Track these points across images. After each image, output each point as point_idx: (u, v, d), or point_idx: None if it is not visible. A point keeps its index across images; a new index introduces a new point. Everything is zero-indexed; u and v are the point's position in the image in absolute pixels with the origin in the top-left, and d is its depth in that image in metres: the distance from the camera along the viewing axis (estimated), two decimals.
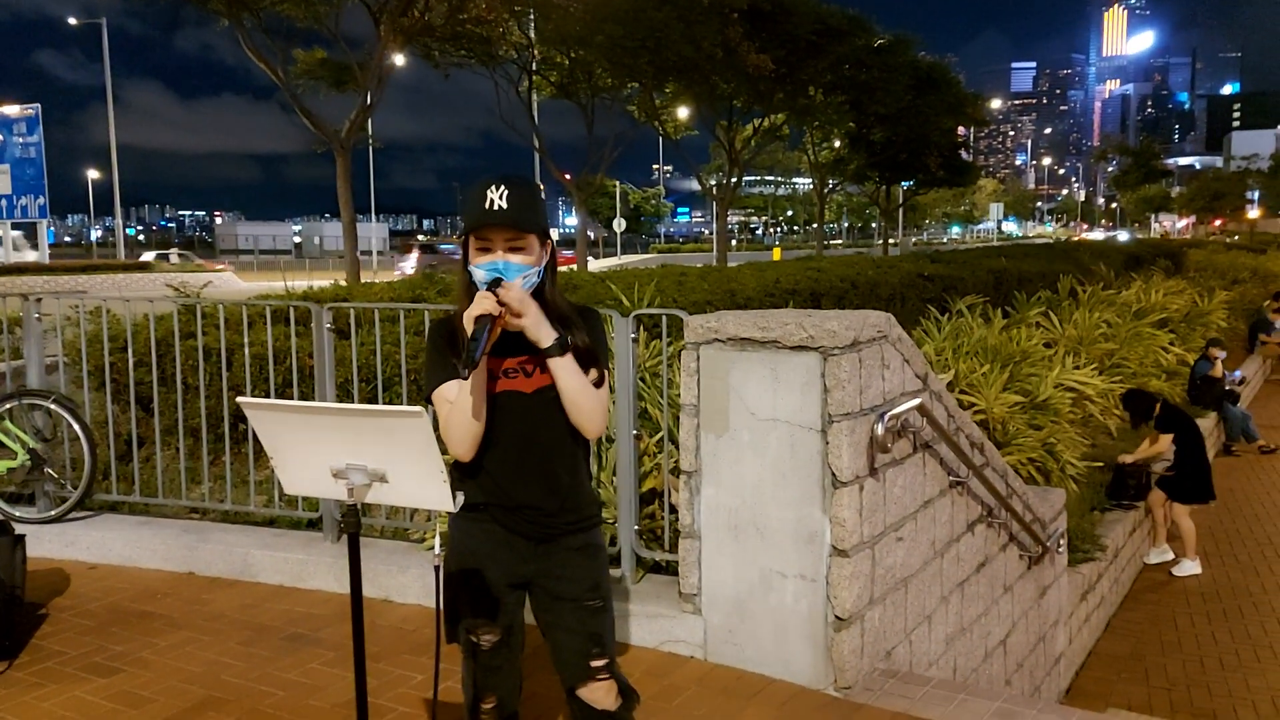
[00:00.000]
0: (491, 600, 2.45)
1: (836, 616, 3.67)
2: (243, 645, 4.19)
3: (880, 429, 3.67)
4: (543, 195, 2.42)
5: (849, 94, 28.78)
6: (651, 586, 4.34)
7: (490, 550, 2.44)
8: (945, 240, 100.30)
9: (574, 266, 26.21)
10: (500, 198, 2.26)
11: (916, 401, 3.96)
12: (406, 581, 4.62)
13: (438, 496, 2.00)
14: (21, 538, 4.42)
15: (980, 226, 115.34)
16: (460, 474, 2.46)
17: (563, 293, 2.47)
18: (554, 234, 2.49)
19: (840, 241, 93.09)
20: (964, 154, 43.53)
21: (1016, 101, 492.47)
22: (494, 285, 2.27)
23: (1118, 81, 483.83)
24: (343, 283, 10.72)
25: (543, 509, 2.43)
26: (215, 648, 4.16)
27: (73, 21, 50.95)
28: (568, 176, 29.49)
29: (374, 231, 66.42)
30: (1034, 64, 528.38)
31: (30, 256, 39.17)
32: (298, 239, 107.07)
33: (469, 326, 2.22)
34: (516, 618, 2.52)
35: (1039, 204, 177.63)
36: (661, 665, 3.95)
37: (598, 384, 2.43)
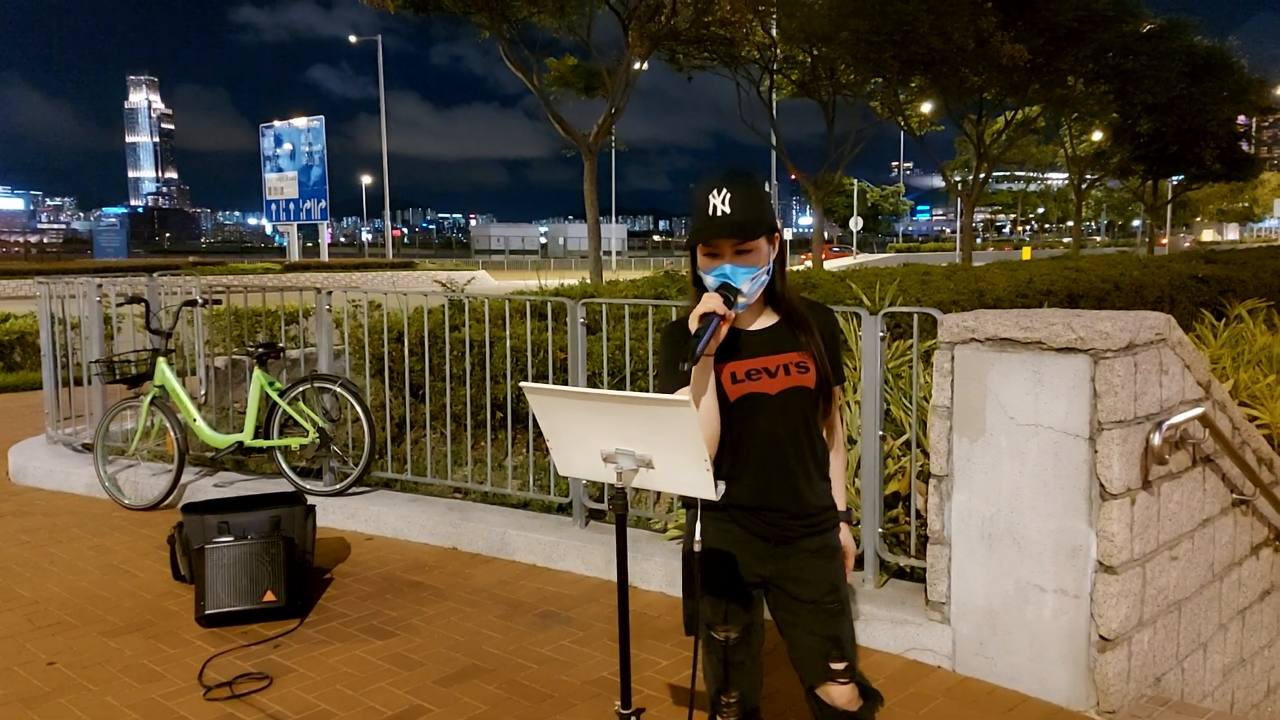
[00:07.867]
0: (730, 598, 2.47)
1: (1101, 636, 3.46)
2: (500, 619, 4.45)
3: (1157, 439, 3.42)
4: (766, 187, 2.36)
5: (1113, 83, 26.97)
6: (896, 592, 4.25)
7: (729, 550, 2.45)
8: (1220, 240, 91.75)
9: (809, 263, 25.96)
10: (724, 202, 2.23)
11: (1199, 411, 3.67)
12: (650, 569, 4.75)
13: (701, 484, 2.05)
14: (312, 508, 4.91)
15: (1262, 224, 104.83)
16: None
17: (797, 290, 2.44)
18: (788, 234, 2.45)
19: (1100, 239, 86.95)
20: (1244, 145, 39.63)
21: None
22: (724, 289, 2.26)
23: None
24: (588, 280, 11.15)
25: (784, 511, 2.42)
26: (476, 619, 4.45)
27: (352, 39, 55.77)
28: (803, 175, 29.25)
29: (614, 232, 68.66)
30: None
31: None
32: (543, 239, 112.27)
33: (694, 326, 2.24)
34: (756, 616, 2.52)
35: None
36: (906, 673, 3.87)
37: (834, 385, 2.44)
